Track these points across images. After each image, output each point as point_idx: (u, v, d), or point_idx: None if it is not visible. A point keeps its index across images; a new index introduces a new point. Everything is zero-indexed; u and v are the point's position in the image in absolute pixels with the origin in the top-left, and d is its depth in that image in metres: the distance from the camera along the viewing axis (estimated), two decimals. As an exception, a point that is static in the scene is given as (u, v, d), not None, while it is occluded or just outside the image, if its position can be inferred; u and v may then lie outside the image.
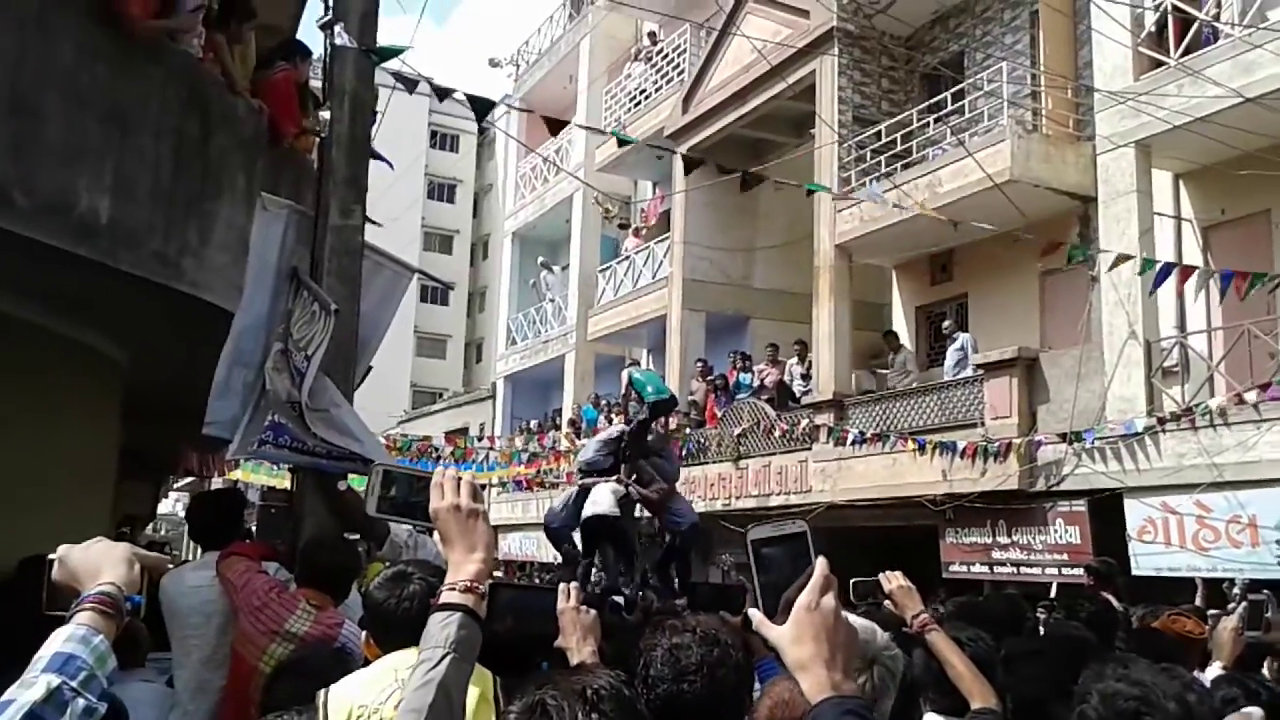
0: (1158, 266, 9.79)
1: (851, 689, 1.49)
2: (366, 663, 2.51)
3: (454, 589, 1.79)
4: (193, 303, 5.71)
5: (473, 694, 2.38)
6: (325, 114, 4.96)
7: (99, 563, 1.72)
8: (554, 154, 25.64)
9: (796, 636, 1.50)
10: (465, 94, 5.60)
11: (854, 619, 2.45)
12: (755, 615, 1.57)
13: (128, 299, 5.90)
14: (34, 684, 1.54)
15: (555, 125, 8.11)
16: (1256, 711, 0.97)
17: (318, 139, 6.03)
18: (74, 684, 1.56)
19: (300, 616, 3.62)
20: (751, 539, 1.71)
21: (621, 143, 8.44)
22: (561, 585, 2.74)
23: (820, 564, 1.55)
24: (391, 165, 7.67)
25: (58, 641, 1.61)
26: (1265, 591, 4.32)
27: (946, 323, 14.87)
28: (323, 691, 2.29)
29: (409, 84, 5.41)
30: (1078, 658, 2.92)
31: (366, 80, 4.69)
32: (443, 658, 1.69)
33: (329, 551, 4.10)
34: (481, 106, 5.78)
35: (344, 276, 4.46)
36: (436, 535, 1.93)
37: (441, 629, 1.73)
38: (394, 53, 4.81)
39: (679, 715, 2.07)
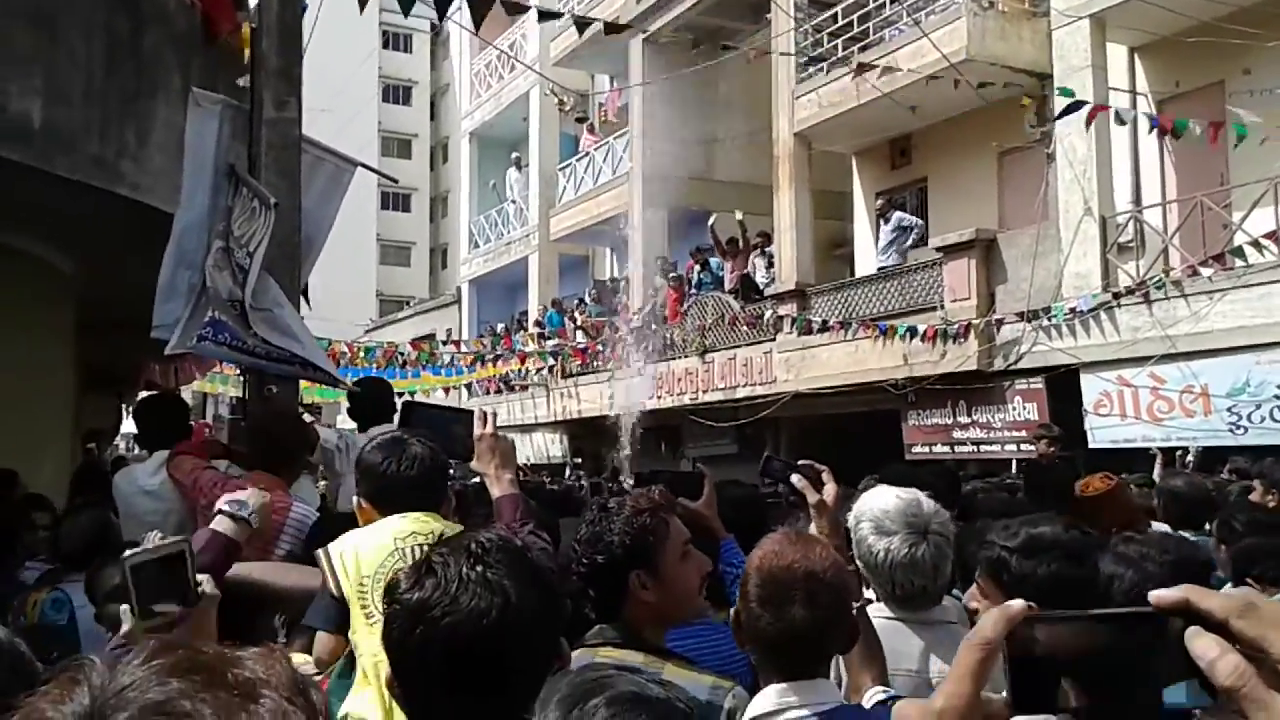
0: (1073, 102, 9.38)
1: None
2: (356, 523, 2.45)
3: None
4: (138, 209, 5.62)
5: None
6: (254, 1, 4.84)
7: None
8: (508, 48, 25.03)
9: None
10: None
11: (899, 491, 2.52)
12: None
13: (70, 206, 5.80)
14: None
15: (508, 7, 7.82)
16: (1018, 603, 1.00)
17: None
18: None
19: None
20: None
21: (580, 29, 8.18)
22: (478, 410, 2.77)
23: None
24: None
25: None
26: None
27: (879, 202, 14.91)
28: (323, 551, 2.28)
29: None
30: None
31: (295, -34, 4.58)
32: None
33: (279, 424, 4.01)
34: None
35: (282, 171, 4.40)
36: None
37: None
38: (321, -64, 4.67)
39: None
